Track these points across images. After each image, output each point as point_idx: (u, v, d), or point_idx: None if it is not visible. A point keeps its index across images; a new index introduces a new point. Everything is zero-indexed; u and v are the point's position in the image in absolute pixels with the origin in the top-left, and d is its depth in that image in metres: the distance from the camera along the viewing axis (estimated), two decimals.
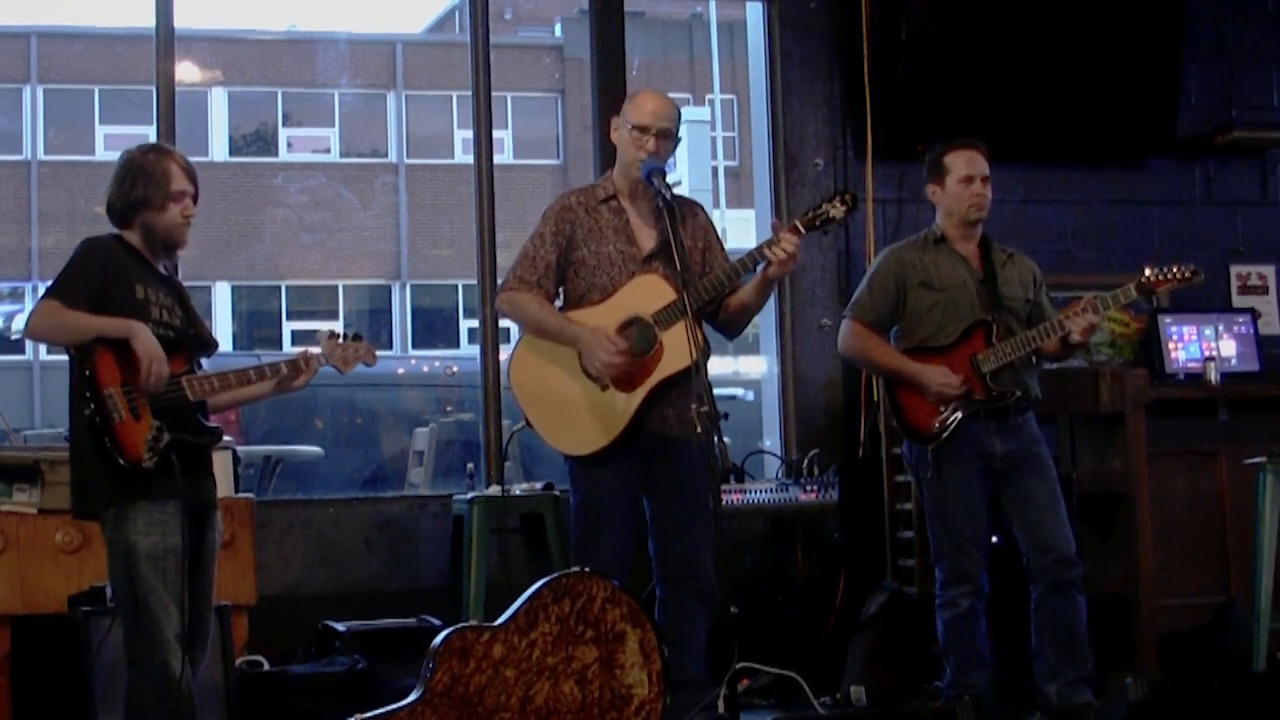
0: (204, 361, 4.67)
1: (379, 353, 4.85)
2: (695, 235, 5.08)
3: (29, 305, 22.31)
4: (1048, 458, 5.61)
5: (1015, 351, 5.47)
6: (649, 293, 4.90)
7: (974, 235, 5.67)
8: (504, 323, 6.91)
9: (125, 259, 4.50)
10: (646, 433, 4.92)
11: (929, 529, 5.60)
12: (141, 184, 4.51)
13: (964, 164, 5.58)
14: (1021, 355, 5.49)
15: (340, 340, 4.76)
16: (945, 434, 5.45)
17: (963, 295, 5.56)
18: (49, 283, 4.45)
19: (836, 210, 4.90)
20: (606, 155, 6.16)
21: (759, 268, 4.97)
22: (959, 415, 5.46)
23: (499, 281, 5.90)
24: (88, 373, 4.33)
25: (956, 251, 5.63)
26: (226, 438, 5.22)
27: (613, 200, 5.06)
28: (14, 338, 21.32)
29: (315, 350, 4.71)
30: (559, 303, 5.11)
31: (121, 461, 4.31)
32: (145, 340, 4.35)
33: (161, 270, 4.61)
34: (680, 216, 4.97)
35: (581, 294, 5.02)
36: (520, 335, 5.12)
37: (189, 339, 4.57)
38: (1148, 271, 5.45)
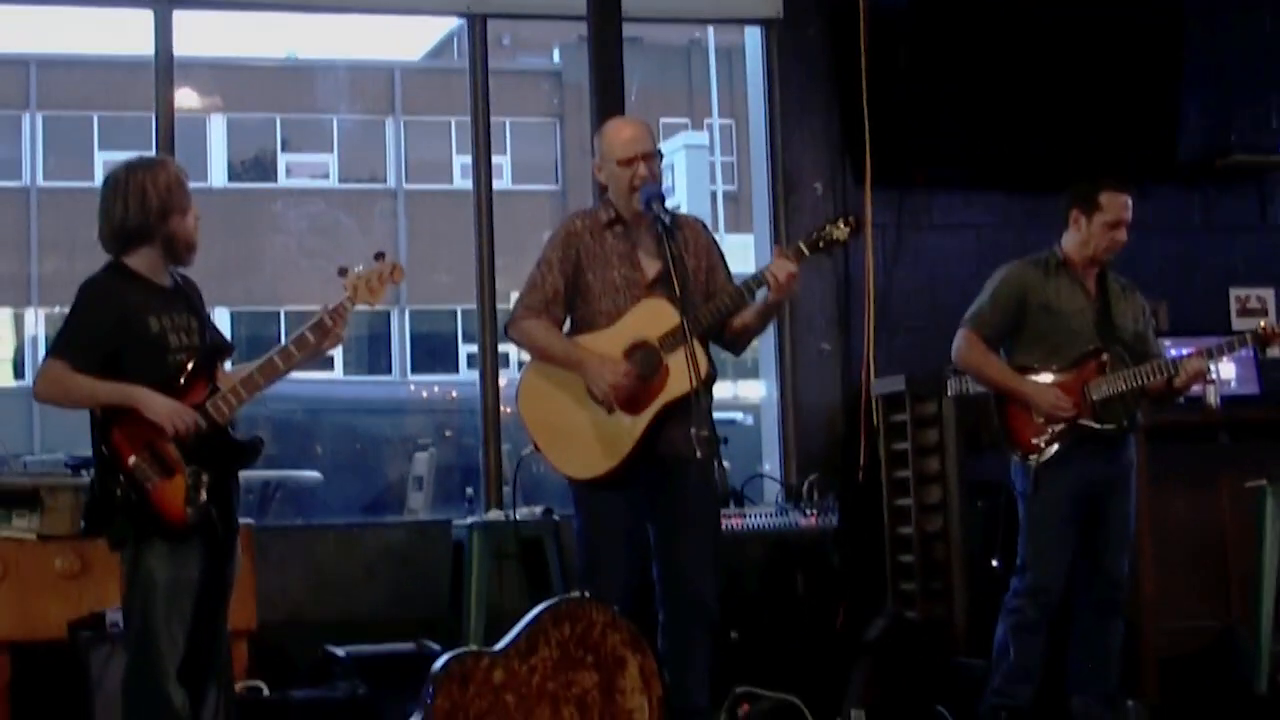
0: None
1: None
2: (699, 255, 5.08)
3: (28, 330, 22.36)
4: (1134, 484, 5.67)
5: (1126, 384, 5.53)
6: (655, 317, 4.89)
7: (1097, 267, 5.71)
8: (503, 347, 6.92)
9: (130, 293, 4.39)
10: (651, 457, 4.92)
11: (1020, 540, 5.60)
12: (163, 195, 4.40)
13: (1118, 209, 5.62)
14: (1132, 389, 5.53)
15: (359, 270, 4.44)
16: (1048, 454, 5.49)
17: (1080, 323, 5.60)
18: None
19: (840, 232, 4.90)
20: None
21: (761, 292, 4.98)
22: (1063, 438, 5.49)
23: (498, 307, 5.89)
24: (105, 448, 4.26)
25: (1077, 277, 5.66)
26: None
27: (617, 225, 5.06)
28: None
29: (334, 303, 4.45)
30: (566, 327, 5.11)
31: (165, 524, 4.26)
32: (154, 404, 4.26)
33: (168, 283, 4.49)
34: (684, 239, 4.98)
35: (588, 319, 5.01)
36: (528, 362, 5.11)
37: (207, 355, 4.44)
38: (1262, 323, 5.59)
